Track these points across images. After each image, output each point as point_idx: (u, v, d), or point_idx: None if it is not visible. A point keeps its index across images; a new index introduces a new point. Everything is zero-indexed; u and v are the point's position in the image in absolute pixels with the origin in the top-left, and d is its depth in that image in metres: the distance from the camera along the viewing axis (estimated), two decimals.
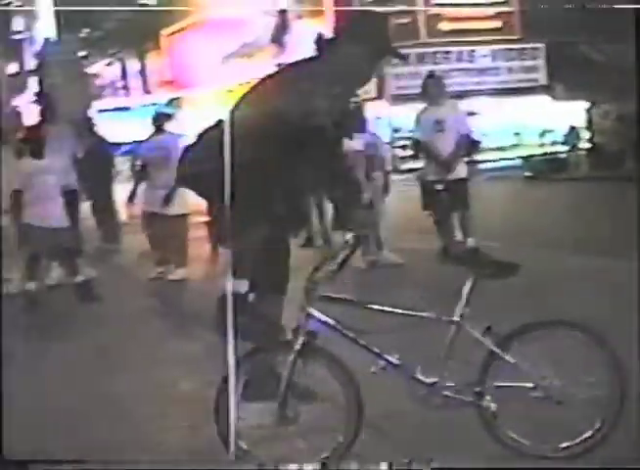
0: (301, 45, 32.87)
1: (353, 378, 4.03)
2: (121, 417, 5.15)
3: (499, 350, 4.05)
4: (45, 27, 56.00)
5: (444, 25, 31.62)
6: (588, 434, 4.06)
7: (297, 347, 3.96)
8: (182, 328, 7.39)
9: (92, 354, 6.61)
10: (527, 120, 30.42)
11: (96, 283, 8.80)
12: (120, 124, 33.51)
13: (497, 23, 32.39)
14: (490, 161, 26.70)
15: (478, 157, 28.64)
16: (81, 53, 52.35)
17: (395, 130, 28.81)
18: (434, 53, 30.97)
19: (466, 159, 9.50)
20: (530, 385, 4.03)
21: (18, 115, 47.16)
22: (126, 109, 40.56)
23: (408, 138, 28.36)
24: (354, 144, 9.29)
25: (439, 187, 9.08)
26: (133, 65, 48.38)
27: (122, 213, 11.35)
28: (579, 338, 4.06)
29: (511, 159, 25.20)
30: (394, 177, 22.46)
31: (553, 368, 4.02)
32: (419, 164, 10.31)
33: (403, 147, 29.22)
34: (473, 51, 31.53)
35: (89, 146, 11.27)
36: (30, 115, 51.18)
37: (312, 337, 3.97)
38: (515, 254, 8.98)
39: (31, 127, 11.37)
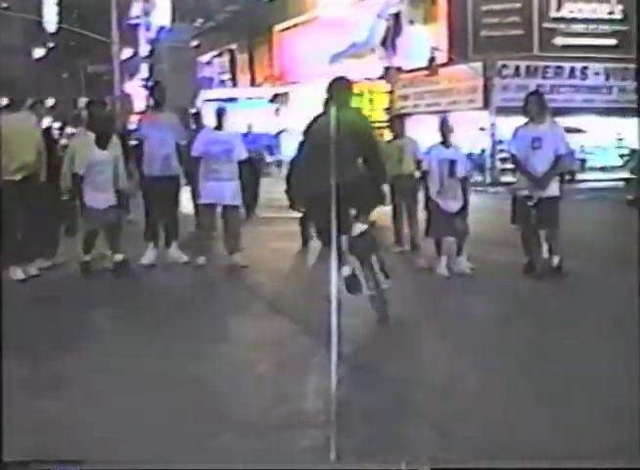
0: (411, 50, 32.89)
1: None
2: None
3: None
4: (161, 15, 57.43)
5: (558, 40, 31.16)
6: None
7: None
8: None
9: None
10: (635, 143, 29.73)
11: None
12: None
13: (613, 41, 31.74)
14: (592, 180, 26.22)
15: (580, 176, 28.24)
16: (193, 42, 53.56)
17: (499, 142, 28.55)
18: (546, 67, 30.55)
19: (561, 177, 9.38)
20: None
21: (129, 99, 48.40)
22: (232, 100, 41.13)
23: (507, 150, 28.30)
24: (436, 155, 9.38)
25: (530, 203, 8.98)
26: (242, 57, 49.05)
27: None
28: None
29: (614, 180, 24.64)
30: (493, 189, 22.22)
31: None
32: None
33: (504, 160, 28.98)
34: (585, 68, 30.98)
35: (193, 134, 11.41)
36: (140, 100, 52.29)
37: None
38: (602, 276, 8.99)
39: (138, 113, 11.70)
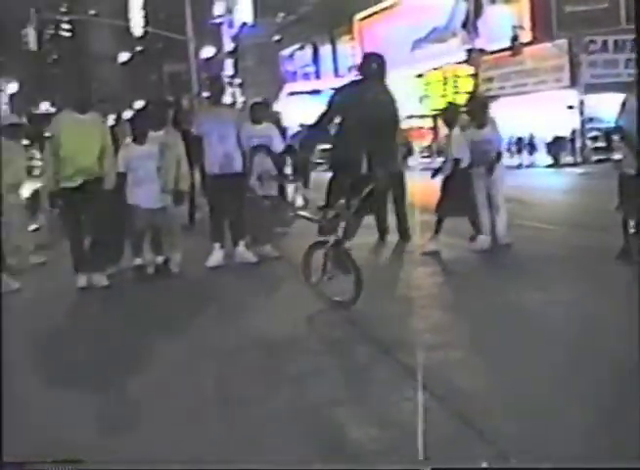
0: (493, 31, 32.31)
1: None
2: None
3: None
4: (243, 12, 57.85)
5: None
6: None
7: None
8: None
9: None
10: None
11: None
12: (311, 108, 33.78)
13: None
14: None
15: None
16: (275, 37, 53.76)
17: (589, 120, 27.88)
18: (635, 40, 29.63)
19: None
20: None
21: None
22: (316, 92, 41.10)
23: (599, 129, 27.45)
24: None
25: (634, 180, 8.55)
26: (325, 49, 49.04)
27: None
28: None
29: None
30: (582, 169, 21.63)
31: None
32: (616, 155, 9.84)
33: (595, 138, 28.30)
34: None
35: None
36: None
37: None
38: None
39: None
